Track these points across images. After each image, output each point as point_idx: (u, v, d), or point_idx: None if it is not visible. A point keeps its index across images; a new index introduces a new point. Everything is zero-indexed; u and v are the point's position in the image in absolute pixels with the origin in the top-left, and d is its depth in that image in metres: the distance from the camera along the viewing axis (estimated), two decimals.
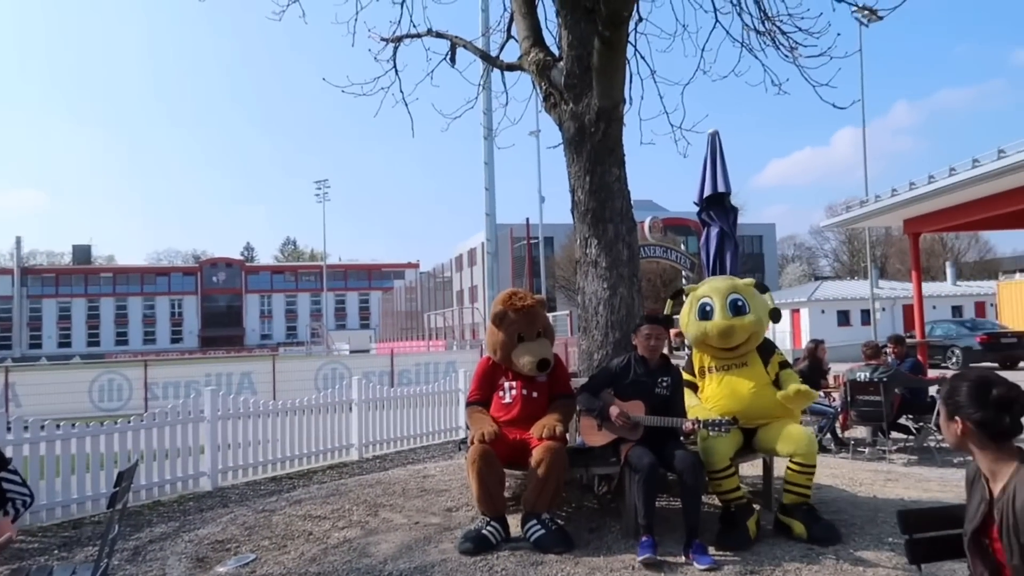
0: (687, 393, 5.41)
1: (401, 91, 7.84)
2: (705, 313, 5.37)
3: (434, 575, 4.40)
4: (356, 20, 7.53)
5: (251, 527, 5.77)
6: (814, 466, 4.94)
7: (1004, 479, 2.26)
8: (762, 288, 5.59)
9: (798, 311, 33.72)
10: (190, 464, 7.46)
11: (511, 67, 6.91)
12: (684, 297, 5.82)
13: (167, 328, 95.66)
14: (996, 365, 21.53)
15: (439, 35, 7.31)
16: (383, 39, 7.57)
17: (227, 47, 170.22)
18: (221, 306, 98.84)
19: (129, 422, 6.95)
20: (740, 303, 5.32)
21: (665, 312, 6.42)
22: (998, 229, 21.00)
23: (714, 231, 7.73)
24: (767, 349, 5.44)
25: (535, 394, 5.32)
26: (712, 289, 5.49)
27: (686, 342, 6.00)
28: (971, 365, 21.30)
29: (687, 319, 5.56)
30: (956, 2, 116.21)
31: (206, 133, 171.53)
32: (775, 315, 5.48)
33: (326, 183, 71.46)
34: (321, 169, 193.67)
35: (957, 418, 2.34)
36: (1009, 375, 2.36)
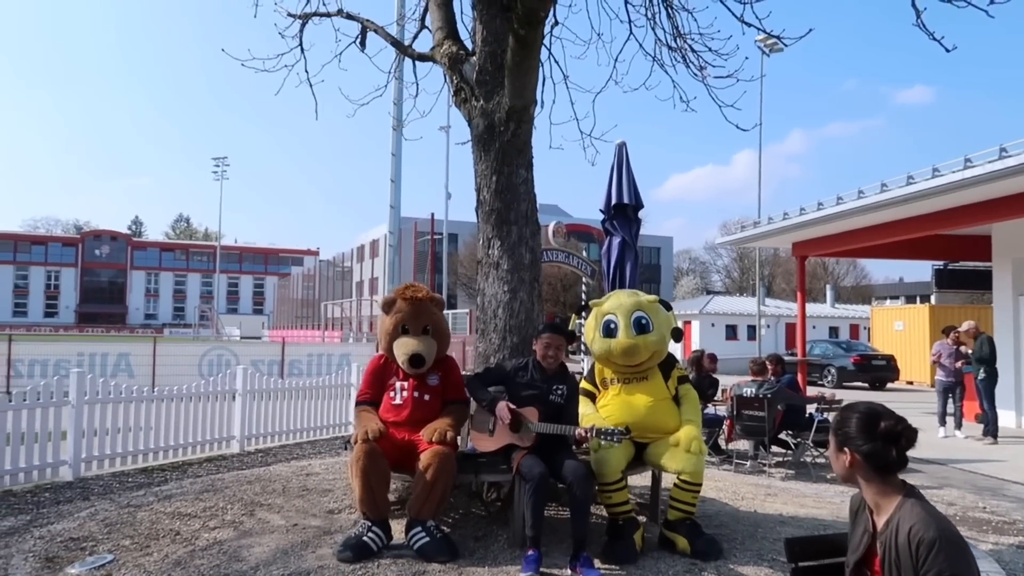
0: (584, 402, 5.36)
1: (306, 71, 7.50)
2: (609, 330, 5.32)
3: None
4: None
5: (112, 524, 5.34)
6: (700, 484, 4.97)
7: (888, 512, 2.27)
8: (667, 306, 5.59)
9: (689, 323, 34.79)
10: (48, 452, 6.89)
11: (423, 57, 6.71)
12: (585, 313, 5.78)
13: (40, 301, 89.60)
14: (866, 385, 22.86)
15: (350, 16, 7.01)
16: (291, 15, 7.21)
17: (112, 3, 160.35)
18: (103, 281, 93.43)
19: None
20: (644, 321, 5.30)
21: (570, 327, 6.21)
22: (875, 258, 22.28)
23: (616, 241, 7.74)
24: (668, 363, 5.46)
25: (427, 396, 5.14)
26: (617, 306, 5.42)
27: (583, 351, 5.94)
28: (844, 384, 22.55)
29: (592, 335, 5.50)
30: (846, 39, 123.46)
31: (82, 93, 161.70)
32: (677, 334, 5.49)
33: (225, 160, 68.71)
34: (219, 146, 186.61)
35: (846, 449, 2.34)
36: (878, 395, 2.39)
